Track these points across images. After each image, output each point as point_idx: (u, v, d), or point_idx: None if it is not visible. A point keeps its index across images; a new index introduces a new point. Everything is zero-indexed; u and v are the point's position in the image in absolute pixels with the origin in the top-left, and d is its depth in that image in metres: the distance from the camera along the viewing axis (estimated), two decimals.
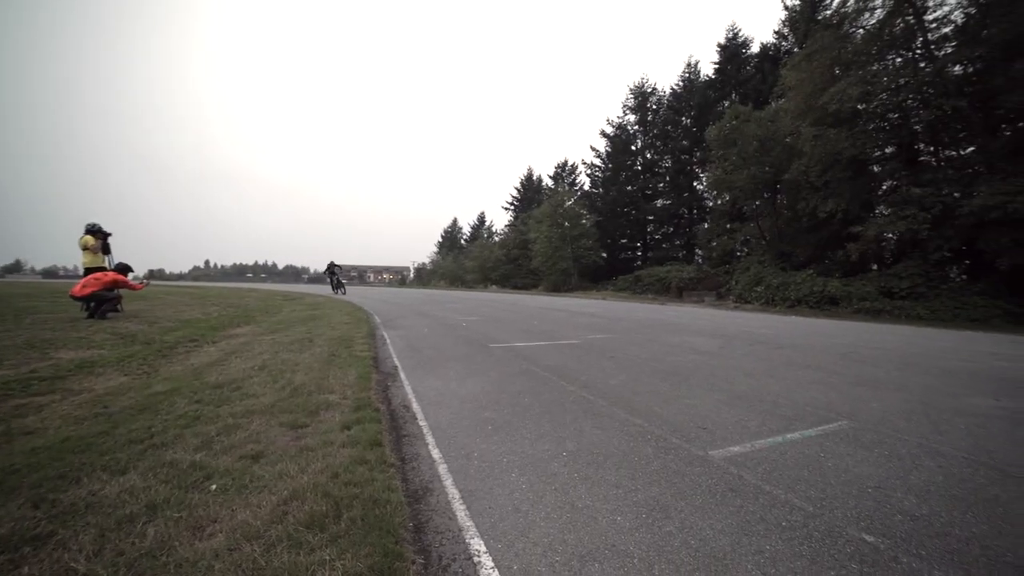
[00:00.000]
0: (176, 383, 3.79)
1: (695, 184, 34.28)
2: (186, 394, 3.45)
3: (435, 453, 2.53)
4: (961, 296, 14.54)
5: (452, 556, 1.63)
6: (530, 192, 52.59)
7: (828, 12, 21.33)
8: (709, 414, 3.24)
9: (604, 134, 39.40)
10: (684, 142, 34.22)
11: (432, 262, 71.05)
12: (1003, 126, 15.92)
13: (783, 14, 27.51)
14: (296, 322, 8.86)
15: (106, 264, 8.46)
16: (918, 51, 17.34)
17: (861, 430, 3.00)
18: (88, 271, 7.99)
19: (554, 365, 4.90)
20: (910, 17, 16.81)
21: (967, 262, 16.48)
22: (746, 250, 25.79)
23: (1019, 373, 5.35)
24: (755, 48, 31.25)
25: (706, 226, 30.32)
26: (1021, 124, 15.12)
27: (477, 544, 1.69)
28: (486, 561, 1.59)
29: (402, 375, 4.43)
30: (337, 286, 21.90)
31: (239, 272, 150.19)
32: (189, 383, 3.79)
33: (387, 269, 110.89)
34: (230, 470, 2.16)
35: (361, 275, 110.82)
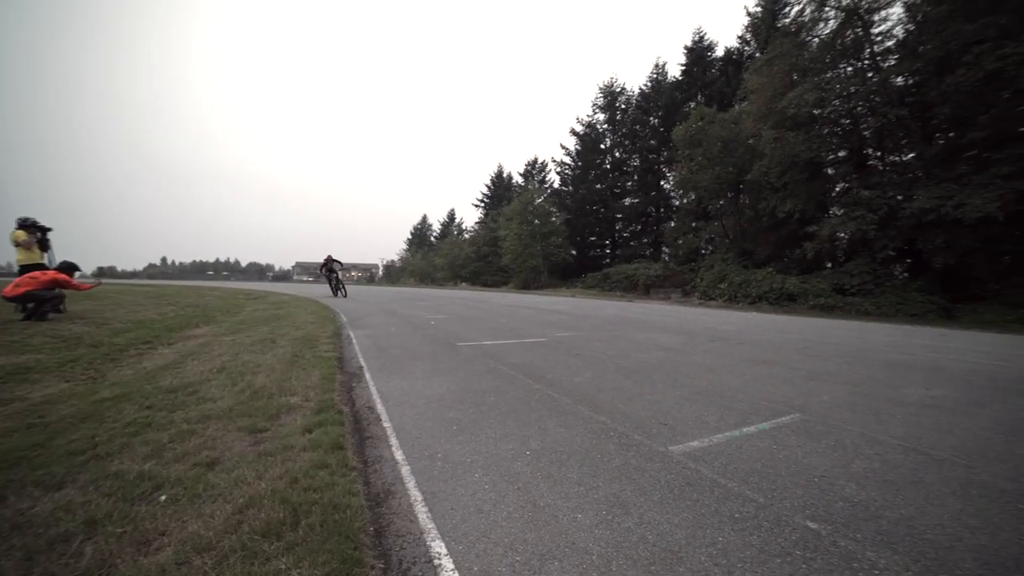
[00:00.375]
0: (125, 388, 3.59)
1: (662, 183, 35.10)
2: (136, 400, 3.28)
3: (398, 455, 2.51)
4: (903, 292, 15.54)
5: (412, 560, 1.63)
6: (500, 189, 52.60)
7: (787, 20, 22.31)
8: (671, 410, 3.34)
9: (574, 132, 39.83)
10: (652, 141, 34.97)
11: (402, 259, 70.12)
12: (937, 135, 17.12)
13: (746, 20, 28.56)
14: (259, 322, 8.57)
15: (45, 262, 7.90)
16: (866, 61, 18.38)
17: (811, 422, 3.16)
18: (24, 269, 7.43)
19: (521, 363, 4.93)
20: (859, 29, 17.78)
21: (908, 261, 17.62)
22: (711, 248, 26.68)
23: (947, 364, 5.80)
24: (720, 52, 32.24)
25: (672, 224, 31.16)
26: (952, 134, 16.29)
27: (438, 547, 1.69)
28: (447, 563, 1.59)
29: (367, 375, 4.36)
30: (337, 287, 18.09)
31: (199, 270, 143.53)
32: (140, 388, 3.61)
33: (355, 266, 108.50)
34: (182, 479, 2.08)
35: None
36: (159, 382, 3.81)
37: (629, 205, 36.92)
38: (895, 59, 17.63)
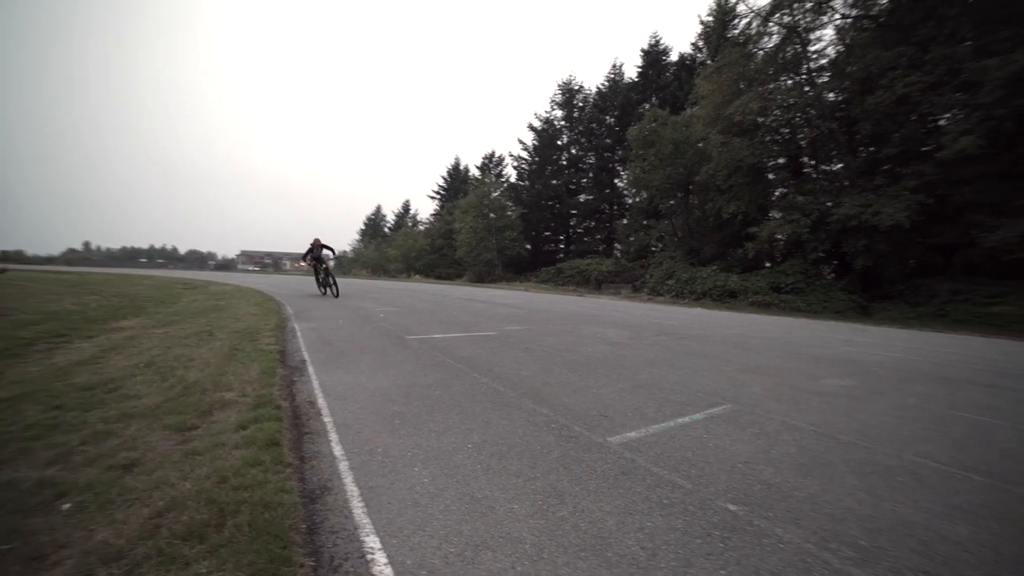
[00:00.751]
0: (29, 387, 3.27)
1: (616, 181, 36.07)
2: (42, 399, 2.99)
3: (337, 450, 2.45)
4: (829, 291, 16.91)
5: (345, 555, 1.60)
6: (457, 182, 52.22)
7: (736, 32, 23.51)
8: (612, 402, 3.46)
9: (532, 128, 40.07)
10: (607, 140, 35.79)
11: (354, 250, 68.04)
12: (860, 149, 18.74)
13: (700, 28, 29.78)
14: (196, 313, 8.06)
15: None
16: (804, 76, 19.74)
17: (740, 412, 3.38)
18: None
19: (469, 357, 4.93)
20: (798, 46, 19.07)
21: (835, 262, 19.16)
22: (660, 246, 27.74)
23: (859, 356, 6.40)
24: (674, 56, 33.42)
25: (625, 222, 32.15)
26: (872, 148, 17.92)
27: (372, 541, 1.67)
28: (379, 558, 1.58)
29: (310, 369, 4.21)
30: (326, 283, 13.14)
31: (130, 257, 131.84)
32: (48, 386, 3.30)
33: (305, 257, 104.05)
34: (94, 484, 1.93)
35: (276, 262, 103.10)
36: (73, 379, 3.50)
37: (584, 201, 37.69)
38: (828, 76, 19.09)
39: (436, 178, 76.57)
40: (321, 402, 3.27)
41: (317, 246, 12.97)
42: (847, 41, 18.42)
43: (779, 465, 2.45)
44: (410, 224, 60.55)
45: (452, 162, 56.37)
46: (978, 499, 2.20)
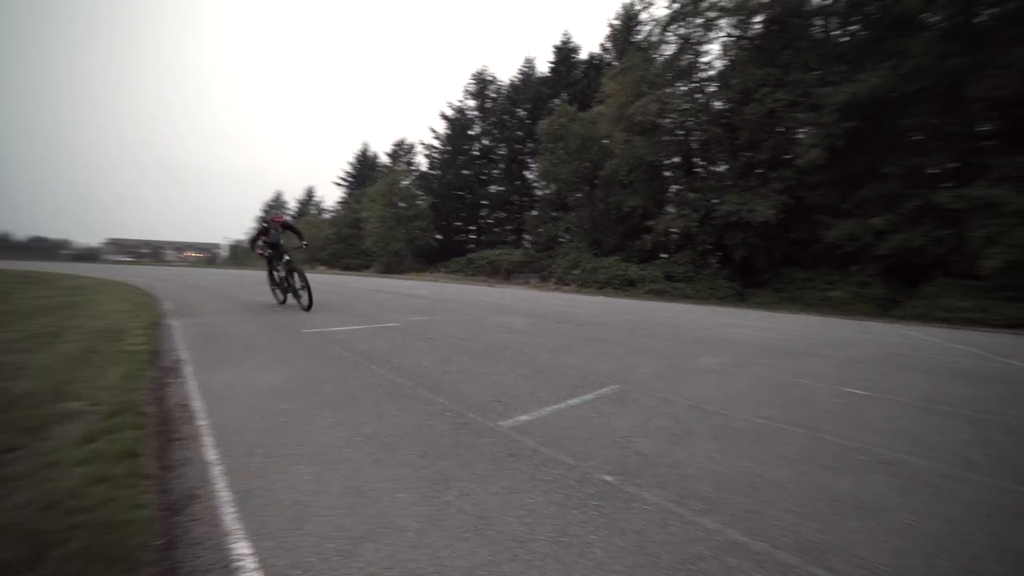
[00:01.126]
0: None
1: (526, 173, 36.94)
2: None
3: (211, 455, 2.24)
4: (714, 280, 19.05)
5: (208, 568, 1.48)
6: (365, 168, 50.06)
7: (640, 37, 25.22)
8: (508, 388, 3.57)
9: (444, 116, 39.57)
10: (519, 132, 36.47)
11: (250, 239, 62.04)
12: (740, 153, 21.29)
13: (608, 30, 31.38)
14: (36, 312, 6.76)
15: None
16: (696, 84, 21.81)
17: (627, 391, 3.67)
18: None
19: (368, 349, 4.77)
20: (691, 56, 21.03)
21: (720, 254, 21.59)
22: (568, 237, 29.04)
23: (733, 337, 7.29)
24: (584, 55, 34.85)
25: (534, 213, 33.10)
26: (749, 154, 20.48)
27: (242, 548, 1.56)
28: (248, 564, 1.49)
29: (187, 370, 3.78)
30: (287, 284, 7.77)
31: None
32: None
33: (191, 246, 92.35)
34: None
35: (156, 252, 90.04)
36: None
37: (495, 192, 38.17)
38: (716, 86, 21.32)
39: (343, 164, 72.30)
40: (197, 404, 2.96)
41: (276, 224, 7.84)
42: (731, 57, 20.69)
43: (654, 437, 2.72)
44: (314, 212, 56.76)
45: (360, 148, 53.63)
46: (797, 447, 2.66)
